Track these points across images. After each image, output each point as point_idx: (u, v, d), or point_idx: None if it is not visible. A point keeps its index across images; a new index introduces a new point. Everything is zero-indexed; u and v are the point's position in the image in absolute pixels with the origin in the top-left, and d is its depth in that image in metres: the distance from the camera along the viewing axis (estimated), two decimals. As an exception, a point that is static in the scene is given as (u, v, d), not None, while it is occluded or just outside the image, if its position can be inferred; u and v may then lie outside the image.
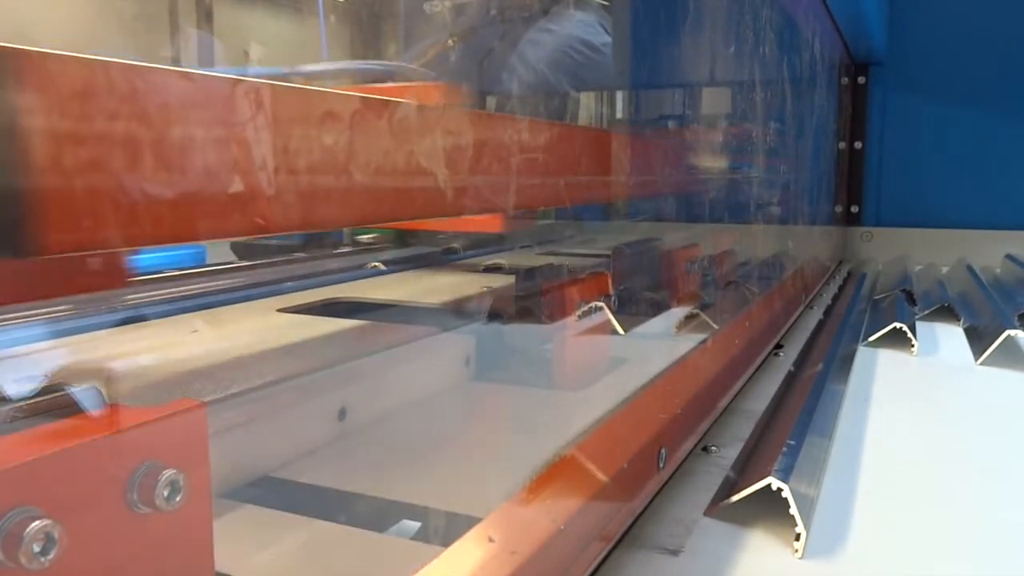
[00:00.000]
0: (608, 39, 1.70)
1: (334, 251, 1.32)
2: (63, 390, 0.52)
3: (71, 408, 0.31)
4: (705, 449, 0.57)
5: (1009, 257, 1.55)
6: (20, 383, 0.50)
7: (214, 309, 0.81)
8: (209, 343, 0.69)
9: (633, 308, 0.90)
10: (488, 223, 0.89)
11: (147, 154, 0.22)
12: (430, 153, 0.35)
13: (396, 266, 1.18)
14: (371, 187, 0.33)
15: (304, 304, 0.82)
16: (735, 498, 0.46)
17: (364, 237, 1.36)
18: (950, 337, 1.00)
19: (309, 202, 0.29)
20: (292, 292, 0.89)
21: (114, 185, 0.21)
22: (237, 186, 0.25)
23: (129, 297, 0.91)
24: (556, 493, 0.37)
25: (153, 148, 0.22)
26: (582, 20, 1.68)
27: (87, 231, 0.21)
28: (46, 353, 0.62)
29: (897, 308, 1.05)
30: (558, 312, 0.81)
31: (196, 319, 0.75)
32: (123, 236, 0.22)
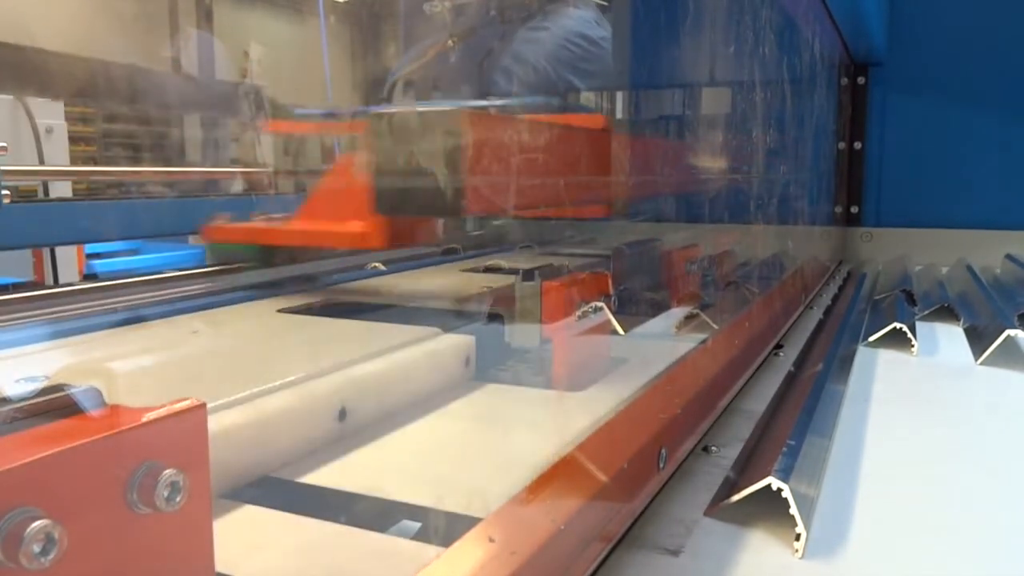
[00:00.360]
0: (604, 32, 1.71)
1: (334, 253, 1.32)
2: (63, 390, 0.52)
3: (71, 408, 0.31)
4: (705, 449, 0.57)
5: (1009, 257, 1.55)
6: (20, 383, 0.50)
7: (214, 310, 0.80)
8: (209, 343, 0.69)
9: (633, 308, 0.90)
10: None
11: (500, 167, 0.58)
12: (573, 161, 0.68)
13: (395, 267, 1.18)
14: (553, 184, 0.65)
15: (304, 304, 0.82)
16: (735, 498, 0.46)
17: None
18: (950, 337, 1.00)
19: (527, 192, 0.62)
20: (292, 293, 0.89)
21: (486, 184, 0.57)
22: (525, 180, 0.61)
23: (129, 298, 0.91)
24: (556, 493, 0.37)
25: (498, 162, 0.58)
26: (578, 16, 1.69)
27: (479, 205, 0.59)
28: (46, 353, 0.62)
29: (897, 308, 1.05)
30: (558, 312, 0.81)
31: (196, 320, 0.75)
32: (483, 209, 0.64)
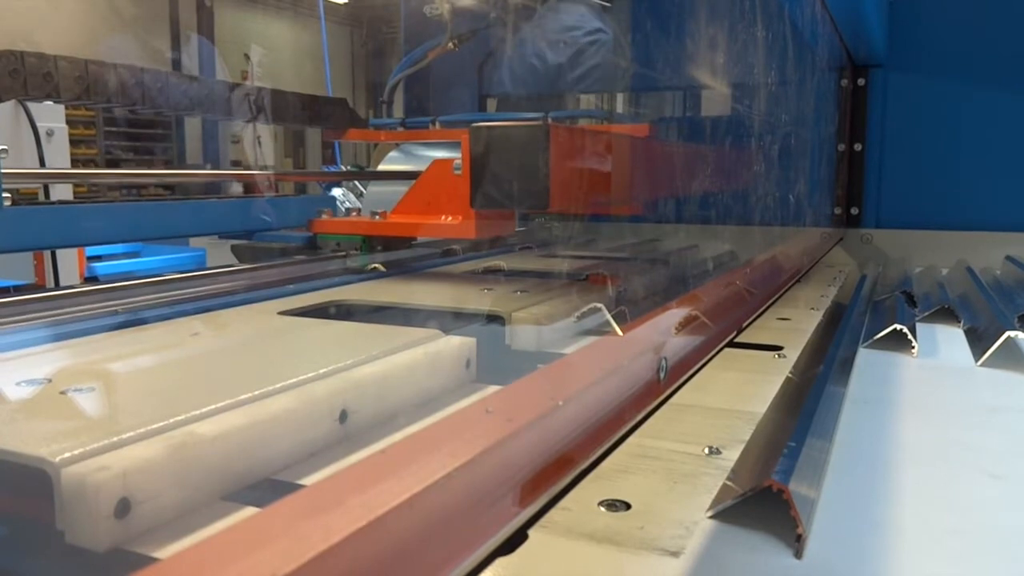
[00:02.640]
0: (598, 24, 1.72)
1: (333, 254, 1.32)
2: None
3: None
4: (706, 450, 0.57)
5: (1009, 259, 1.55)
6: (20, 386, 0.50)
7: (213, 312, 0.80)
8: (209, 345, 0.68)
9: (634, 308, 0.90)
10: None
11: (568, 170, 0.86)
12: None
13: (395, 267, 1.18)
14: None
15: (305, 307, 0.82)
16: (736, 500, 0.46)
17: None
18: (950, 339, 1.00)
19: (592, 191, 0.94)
20: (292, 295, 0.89)
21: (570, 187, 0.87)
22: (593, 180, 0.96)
23: (129, 300, 0.91)
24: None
25: (572, 168, 0.88)
26: (572, 10, 1.70)
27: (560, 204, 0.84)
28: (45, 355, 0.62)
29: (897, 310, 1.05)
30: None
31: (195, 322, 0.75)
32: (563, 208, 0.88)
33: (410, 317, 0.79)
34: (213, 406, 0.45)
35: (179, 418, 0.43)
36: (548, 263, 1.25)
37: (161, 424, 0.42)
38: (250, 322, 0.77)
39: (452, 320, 0.75)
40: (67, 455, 0.37)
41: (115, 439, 0.40)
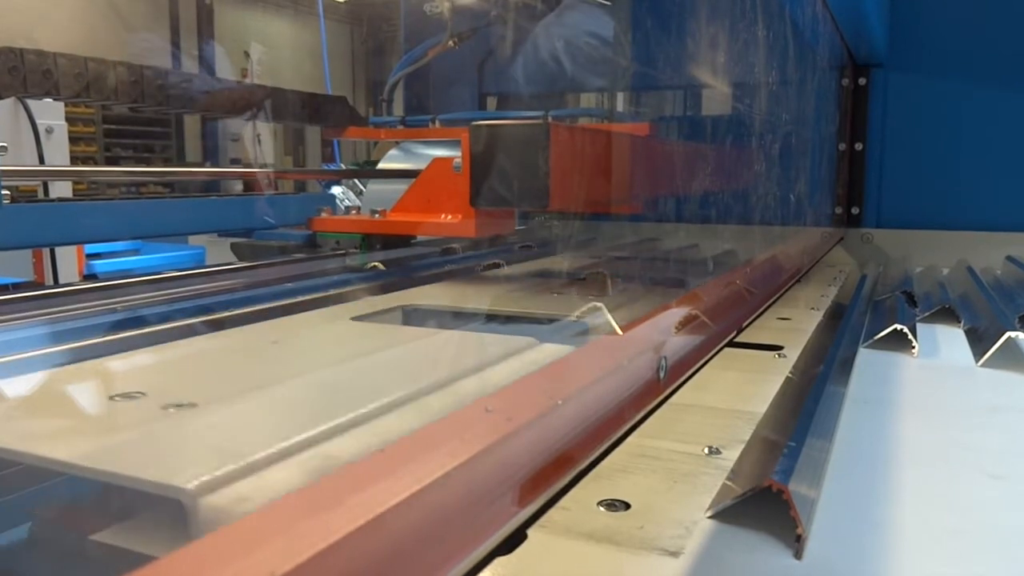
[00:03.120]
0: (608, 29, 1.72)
1: (333, 252, 1.32)
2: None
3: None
4: (706, 450, 0.57)
5: (1010, 259, 1.54)
6: (115, 400, 0.48)
7: (280, 318, 0.74)
8: (298, 355, 0.62)
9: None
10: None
11: (568, 169, 0.85)
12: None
13: (395, 266, 1.18)
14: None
15: (376, 312, 0.78)
16: (735, 500, 0.46)
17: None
18: (951, 339, 0.99)
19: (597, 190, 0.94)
20: (293, 296, 0.88)
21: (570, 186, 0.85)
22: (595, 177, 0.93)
23: (130, 298, 0.91)
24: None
25: (573, 166, 0.86)
26: (573, 10, 1.70)
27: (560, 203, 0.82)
28: (122, 362, 0.57)
29: (898, 310, 1.05)
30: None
31: (269, 328, 0.69)
32: (564, 207, 0.87)
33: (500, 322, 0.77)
34: (338, 422, 0.40)
35: (308, 436, 0.38)
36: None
37: (290, 443, 0.37)
38: (327, 329, 0.71)
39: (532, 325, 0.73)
40: (200, 482, 0.33)
41: (243, 463, 0.35)
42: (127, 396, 0.46)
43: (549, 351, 0.61)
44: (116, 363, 0.57)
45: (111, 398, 0.46)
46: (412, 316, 0.81)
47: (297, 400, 0.48)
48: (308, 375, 0.54)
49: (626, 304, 0.76)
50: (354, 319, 0.74)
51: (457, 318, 0.81)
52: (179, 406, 0.44)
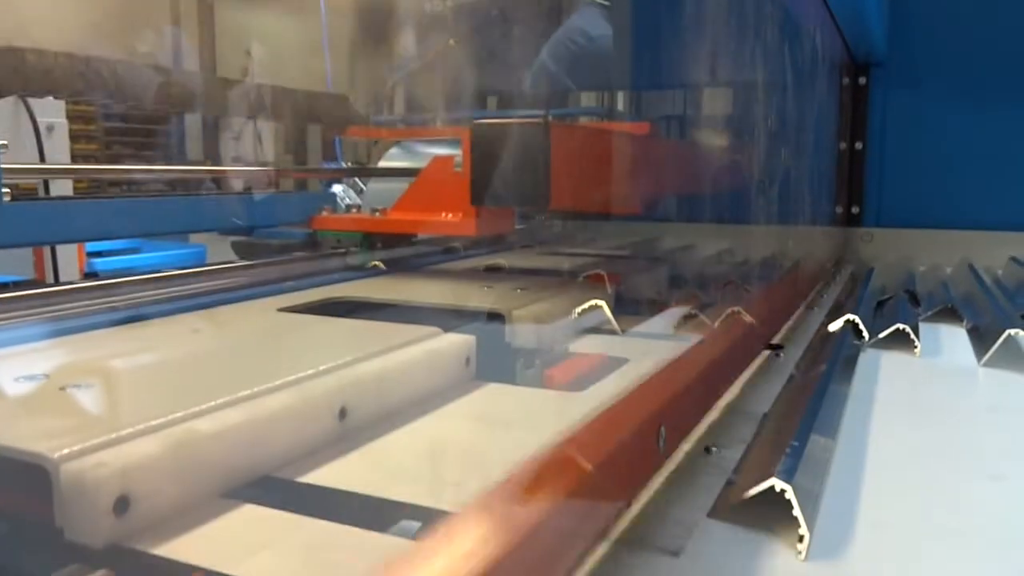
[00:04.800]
0: (603, 28, 1.71)
1: (332, 251, 1.32)
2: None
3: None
4: (707, 450, 0.57)
5: (1013, 259, 1.54)
6: (19, 382, 0.50)
7: (213, 308, 0.80)
8: (209, 342, 0.68)
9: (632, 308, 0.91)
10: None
11: (570, 169, 0.86)
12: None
13: (395, 264, 1.18)
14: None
15: (305, 303, 0.82)
16: (737, 499, 0.46)
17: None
18: (953, 338, 0.99)
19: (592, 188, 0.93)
20: (292, 292, 0.88)
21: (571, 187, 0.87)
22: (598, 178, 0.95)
23: (130, 297, 0.91)
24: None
25: (579, 167, 0.90)
26: (581, 12, 1.70)
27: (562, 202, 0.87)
28: (45, 352, 0.62)
29: (900, 309, 1.05)
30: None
31: (195, 318, 0.75)
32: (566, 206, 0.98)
33: (412, 315, 0.79)
34: (212, 403, 0.45)
35: (178, 415, 0.43)
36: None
37: (160, 421, 0.42)
38: (250, 319, 0.77)
39: (453, 318, 0.75)
40: (66, 451, 0.37)
41: (114, 436, 0.40)
42: (30, 378, 0.51)
43: (453, 340, 0.65)
44: (35, 349, 0.61)
45: (15, 380, 0.50)
46: (337, 308, 0.83)
47: (185, 381, 0.54)
48: (208, 359, 0.61)
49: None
50: (280, 310, 0.78)
51: (381, 310, 0.83)
52: (77, 387, 0.48)
